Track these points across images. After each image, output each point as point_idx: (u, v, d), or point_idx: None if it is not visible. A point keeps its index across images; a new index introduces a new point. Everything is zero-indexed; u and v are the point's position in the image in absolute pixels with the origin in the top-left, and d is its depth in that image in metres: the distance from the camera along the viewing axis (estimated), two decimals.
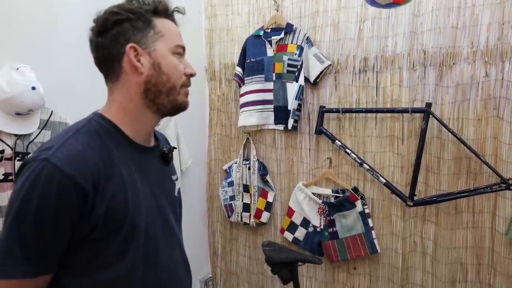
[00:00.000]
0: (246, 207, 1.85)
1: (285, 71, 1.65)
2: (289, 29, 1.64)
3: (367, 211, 1.57)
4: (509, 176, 1.32)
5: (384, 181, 1.49)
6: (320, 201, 1.63)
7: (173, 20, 0.68)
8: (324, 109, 1.60)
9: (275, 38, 1.66)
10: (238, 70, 1.76)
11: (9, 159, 1.05)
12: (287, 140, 1.76)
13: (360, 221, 1.56)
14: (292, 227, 1.71)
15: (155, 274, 0.63)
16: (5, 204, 1.03)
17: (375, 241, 1.55)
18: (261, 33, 1.70)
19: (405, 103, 1.49)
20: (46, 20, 1.17)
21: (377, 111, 1.52)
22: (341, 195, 1.61)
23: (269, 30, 1.70)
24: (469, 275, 1.44)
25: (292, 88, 1.64)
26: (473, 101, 1.38)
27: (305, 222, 1.68)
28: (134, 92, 0.62)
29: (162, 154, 0.72)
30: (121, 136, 0.63)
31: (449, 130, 1.37)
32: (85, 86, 1.22)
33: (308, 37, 1.61)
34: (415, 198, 1.45)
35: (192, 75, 0.68)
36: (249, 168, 1.83)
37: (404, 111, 1.46)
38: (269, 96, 1.70)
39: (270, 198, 1.81)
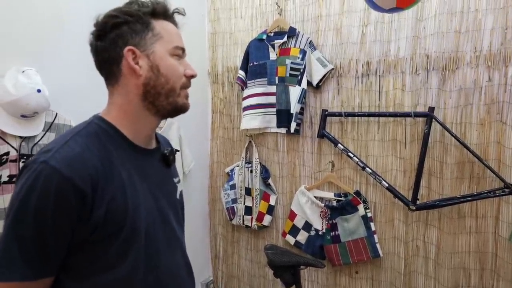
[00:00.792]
0: (248, 210, 1.85)
1: (287, 75, 1.66)
2: (292, 33, 1.65)
3: (369, 215, 1.56)
4: None
5: (387, 185, 1.49)
6: (322, 204, 1.63)
7: (173, 21, 0.68)
8: (326, 112, 1.60)
9: (278, 42, 1.67)
10: (241, 73, 1.77)
11: (14, 161, 1.05)
12: (290, 144, 1.76)
13: (362, 225, 1.56)
14: (294, 231, 1.71)
15: (156, 276, 0.63)
16: None
17: (377, 245, 1.55)
18: (264, 36, 1.70)
19: (408, 107, 1.49)
20: (52, 23, 1.18)
21: (380, 115, 1.52)
22: (343, 198, 1.61)
23: (272, 34, 1.71)
24: (472, 280, 1.43)
25: (294, 92, 1.65)
26: (476, 106, 1.37)
27: (307, 226, 1.67)
28: (133, 94, 0.63)
29: (163, 156, 0.71)
30: (121, 139, 0.63)
31: (452, 134, 1.37)
32: (89, 89, 1.23)
33: (311, 41, 1.62)
34: (418, 202, 1.45)
35: (192, 76, 0.67)
36: (251, 171, 1.83)
37: (407, 115, 1.46)
38: (272, 99, 1.71)
39: (272, 201, 1.81)
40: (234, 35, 1.87)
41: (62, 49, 1.20)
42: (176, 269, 0.68)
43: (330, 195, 1.66)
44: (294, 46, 1.64)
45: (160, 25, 0.64)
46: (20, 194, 0.52)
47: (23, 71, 1.05)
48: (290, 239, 1.72)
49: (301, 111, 1.66)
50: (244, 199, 1.85)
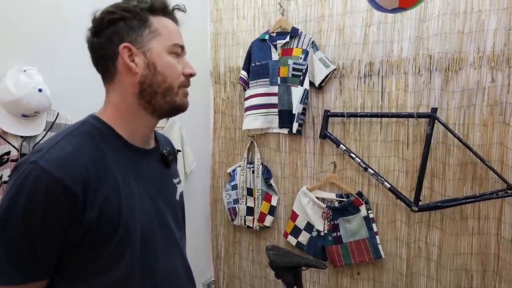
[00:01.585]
0: (250, 211, 1.84)
1: (290, 75, 1.65)
2: (294, 33, 1.64)
3: (371, 216, 1.56)
4: None
5: (389, 186, 1.49)
6: (324, 205, 1.63)
7: (173, 18, 0.66)
8: (329, 113, 1.60)
9: (280, 42, 1.66)
10: (243, 73, 1.77)
11: (15, 160, 1.05)
12: (292, 144, 1.76)
13: (364, 226, 1.56)
14: (296, 231, 1.70)
15: (153, 280, 0.61)
16: None
17: (379, 246, 1.54)
18: (267, 37, 1.70)
19: (411, 108, 1.48)
20: (54, 22, 1.17)
21: (382, 115, 1.52)
22: (345, 199, 1.61)
23: (274, 34, 1.71)
24: (474, 281, 1.43)
25: (297, 92, 1.64)
26: (479, 107, 1.37)
27: (309, 227, 1.67)
28: (129, 93, 0.61)
29: (162, 156, 0.69)
30: (117, 138, 0.61)
31: (454, 135, 1.37)
32: (91, 89, 1.22)
33: (313, 41, 1.61)
34: (420, 203, 1.44)
35: (191, 75, 0.65)
36: (253, 172, 1.82)
37: (410, 116, 1.45)
38: (274, 99, 1.70)
39: (274, 202, 1.80)
40: (237, 36, 1.87)
41: (64, 48, 1.20)
42: (175, 273, 0.66)
43: (332, 196, 1.65)
44: (297, 47, 1.64)
45: (158, 22, 0.62)
46: (8, 194, 0.51)
47: (24, 71, 1.05)
48: (292, 240, 1.72)
49: (303, 112, 1.65)
50: (246, 199, 1.85)
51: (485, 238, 1.40)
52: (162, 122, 1.59)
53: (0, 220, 0.51)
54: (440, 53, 1.41)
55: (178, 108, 0.65)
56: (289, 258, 1.35)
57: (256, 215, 1.82)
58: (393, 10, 1.13)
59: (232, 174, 1.90)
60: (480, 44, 1.35)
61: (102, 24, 0.61)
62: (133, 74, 0.60)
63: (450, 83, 1.41)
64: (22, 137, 1.06)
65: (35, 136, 1.10)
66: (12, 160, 1.05)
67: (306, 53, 1.61)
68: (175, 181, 0.74)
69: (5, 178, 1.03)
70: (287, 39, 1.65)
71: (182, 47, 0.65)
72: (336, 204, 1.63)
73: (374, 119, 1.55)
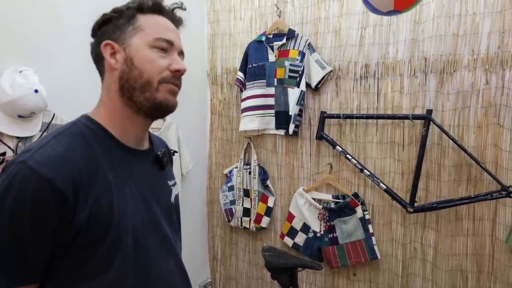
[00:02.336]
0: (246, 212, 1.84)
1: (286, 77, 1.66)
2: (291, 35, 1.65)
3: (367, 217, 1.56)
4: (510, 184, 1.32)
5: (385, 187, 1.49)
6: (321, 206, 1.63)
7: (168, 16, 0.65)
8: (325, 114, 1.61)
9: (277, 44, 1.67)
10: (240, 75, 1.77)
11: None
12: (288, 145, 1.76)
13: (360, 227, 1.56)
14: (292, 232, 1.71)
15: (147, 283, 0.59)
16: None
17: (375, 247, 1.55)
18: (263, 38, 1.71)
19: (406, 109, 1.49)
20: (50, 23, 1.18)
21: (378, 117, 1.53)
22: (341, 200, 1.61)
23: (271, 36, 1.71)
24: (469, 282, 1.43)
25: (293, 94, 1.65)
26: (474, 108, 1.38)
27: (305, 228, 1.67)
28: (113, 91, 0.61)
29: (156, 158, 0.68)
30: (109, 139, 0.60)
31: (449, 137, 1.38)
32: (87, 89, 1.22)
33: (309, 43, 1.62)
34: (416, 204, 1.45)
35: (178, 71, 0.62)
36: (249, 173, 1.83)
37: (405, 117, 1.46)
38: (271, 101, 1.71)
39: (270, 203, 1.81)
40: (234, 37, 1.88)
41: (60, 49, 1.20)
42: (170, 276, 0.65)
43: (328, 197, 1.66)
44: (293, 48, 1.65)
45: (144, 19, 0.62)
46: None
47: (20, 71, 1.05)
48: (288, 241, 1.72)
49: (300, 113, 1.66)
50: (243, 200, 1.85)
51: (480, 239, 1.41)
52: (158, 123, 1.59)
53: None
54: (435, 55, 1.42)
55: (160, 106, 0.61)
56: (285, 259, 1.35)
57: (253, 216, 1.82)
58: (389, 13, 1.14)
59: (228, 175, 1.90)
60: (475, 46, 1.36)
61: (96, 26, 0.63)
62: (114, 70, 0.61)
63: (445, 85, 1.42)
64: (18, 138, 1.06)
65: (31, 137, 1.09)
66: (8, 161, 1.05)
67: (302, 54, 1.62)
68: (170, 183, 0.73)
69: None
70: (284, 40, 1.65)
71: (170, 42, 0.62)
72: (332, 205, 1.63)
73: (370, 120, 1.56)
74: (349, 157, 1.55)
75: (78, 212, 0.51)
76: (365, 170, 1.52)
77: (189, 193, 1.85)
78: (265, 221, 1.80)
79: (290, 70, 1.65)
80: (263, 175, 1.80)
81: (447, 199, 1.43)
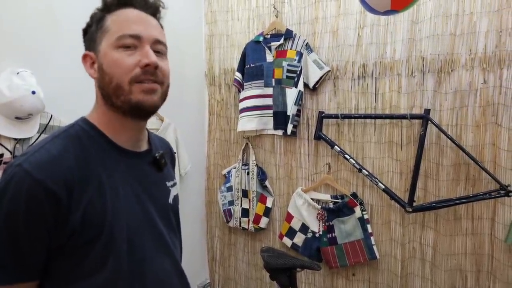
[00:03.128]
0: (245, 212, 1.84)
1: (284, 77, 1.66)
2: (288, 35, 1.65)
3: (366, 217, 1.56)
4: (508, 183, 1.32)
5: (383, 187, 1.49)
6: (319, 206, 1.63)
7: (139, 5, 0.60)
8: (323, 114, 1.61)
9: (274, 44, 1.67)
10: (238, 75, 1.77)
11: (8, 163, 1.05)
12: (286, 145, 1.76)
13: (359, 227, 1.56)
14: (291, 233, 1.70)
15: (142, 283, 0.60)
16: None
17: (374, 247, 1.54)
18: (261, 39, 1.71)
19: (404, 109, 1.49)
20: (47, 24, 1.18)
21: (376, 117, 1.52)
22: (340, 200, 1.61)
23: (268, 36, 1.72)
24: (468, 282, 1.43)
25: (291, 94, 1.65)
26: (472, 108, 1.38)
27: (304, 228, 1.67)
28: (99, 98, 0.62)
29: (154, 159, 0.68)
30: (104, 141, 0.60)
31: (447, 136, 1.38)
32: (84, 91, 1.22)
33: (307, 43, 1.62)
34: (414, 204, 1.45)
35: (148, 65, 0.56)
36: (248, 173, 1.83)
37: (403, 117, 1.46)
38: (268, 101, 1.71)
39: (269, 203, 1.80)
40: (231, 37, 1.88)
41: (57, 51, 1.20)
42: (166, 277, 0.64)
43: (326, 197, 1.65)
44: (291, 48, 1.65)
45: (111, 18, 0.59)
46: None
47: (17, 73, 1.05)
48: (287, 241, 1.72)
49: (298, 113, 1.66)
50: (241, 201, 1.85)
51: (479, 239, 1.41)
52: (156, 124, 1.59)
53: None
54: (432, 55, 1.42)
55: (137, 107, 0.57)
56: (283, 259, 1.35)
57: (251, 217, 1.82)
58: (386, 12, 1.14)
59: (227, 175, 1.90)
60: (472, 45, 1.36)
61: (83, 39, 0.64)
62: (94, 79, 0.61)
63: (442, 85, 1.42)
64: (15, 139, 1.06)
65: (28, 139, 1.09)
66: (5, 163, 1.05)
67: (300, 54, 1.62)
68: (169, 184, 0.72)
69: None
70: (281, 41, 1.65)
71: (136, 36, 0.57)
72: (331, 205, 1.63)
73: (368, 120, 1.56)
74: (348, 157, 1.55)
75: (72, 213, 0.52)
76: (364, 170, 1.52)
77: (187, 194, 1.85)
78: (263, 222, 1.80)
79: (288, 70, 1.65)
80: (262, 176, 1.80)
81: (445, 198, 1.42)
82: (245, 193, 1.84)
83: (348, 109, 1.60)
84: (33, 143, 1.10)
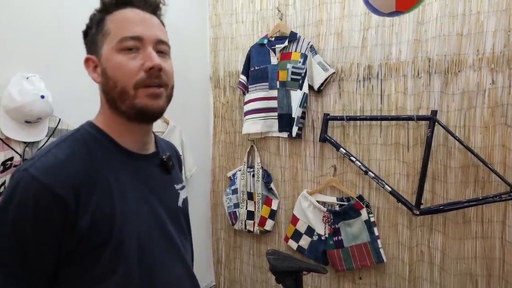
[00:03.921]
0: (250, 215, 1.84)
1: (289, 79, 1.66)
2: (293, 37, 1.65)
3: (372, 219, 1.54)
4: None
5: (390, 189, 1.47)
6: (325, 209, 1.62)
7: (138, 4, 0.58)
8: (328, 116, 1.60)
9: (279, 47, 1.67)
10: (243, 78, 1.78)
11: (18, 166, 1.07)
12: (291, 148, 1.76)
13: (365, 229, 1.54)
14: (297, 235, 1.69)
15: (153, 287, 0.59)
16: None
17: (381, 251, 1.52)
18: (265, 41, 1.71)
19: (410, 110, 1.48)
20: (55, 30, 1.20)
21: (382, 118, 1.51)
22: (346, 203, 1.60)
23: (273, 39, 1.72)
24: (479, 286, 1.40)
25: (296, 96, 1.65)
26: (480, 109, 1.36)
27: (310, 231, 1.66)
28: (103, 102, 0.61)
29: (161, 162, 0.67)
30: (111, 144, 0.59)
31: (455, 138, 1.36)
32: (92, 95, 1.24)
33: (312, 45, 1.62)
34: (422, 207, 1.43)
35: (151, 68, 0.55)
36: (253, 176, 1.83)
37: (409, 118, 1.44)
38: (273, 103, 1.71)
39: (274, 206, 1.80)
40: (236, 40, 1.89)
41: (65, 55, 1.22)
42: (177, 281, 0.63)
43: (332, 199, 1.64)
44: (295, 51, 1.65)
45: (111, 19, 0.57)
46: (0, 203, 0.51)
47: (27, 78, 1.07)
48: (293, 244, 1.71)
49: (303, 115, 1.66)
50: (246, 203, 1.85)
51: (489, 242, 1.38)
52: (161, 127, 1.61)
53: None
54: (439, 56, 1.41)
55: (142, 112, 0.57)
56: (289, 262, 1.34)
57: (257, 219, 1.81)
58: (391, 14, 1.13)
59: (232, 178, 1.91)
60: (480, 46, 1.34)
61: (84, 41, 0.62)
62: (98, 84, 0.60)
63: (449, 85, 1.40)
64: (25, 143, 1.08)
65: (37, 142, 1.11)
66: (15, 166, 1.07)
67: (304, 57, 1.62)
68: (177, 186, 0.71)
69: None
70: (286, 43, 1.66)
71: (138, 38, 0.56)
72: (337, 208, 1.62)
73: (373, 122, 1.55)
74: (353, 159, 1.54)
75: (80, 217, 0.51)
76: (370, 172, 1.51)
77: (193, 197, 1.85)
78: (269, 224, 1.80)
79: (293, 73, 1.65)
80: (267, 178, 1.80)
81: (454, 201, 1.40)
82: (250, 196, 1.84)
83: (354, 111, 1.59)
84: (42, 146, 1.12)
